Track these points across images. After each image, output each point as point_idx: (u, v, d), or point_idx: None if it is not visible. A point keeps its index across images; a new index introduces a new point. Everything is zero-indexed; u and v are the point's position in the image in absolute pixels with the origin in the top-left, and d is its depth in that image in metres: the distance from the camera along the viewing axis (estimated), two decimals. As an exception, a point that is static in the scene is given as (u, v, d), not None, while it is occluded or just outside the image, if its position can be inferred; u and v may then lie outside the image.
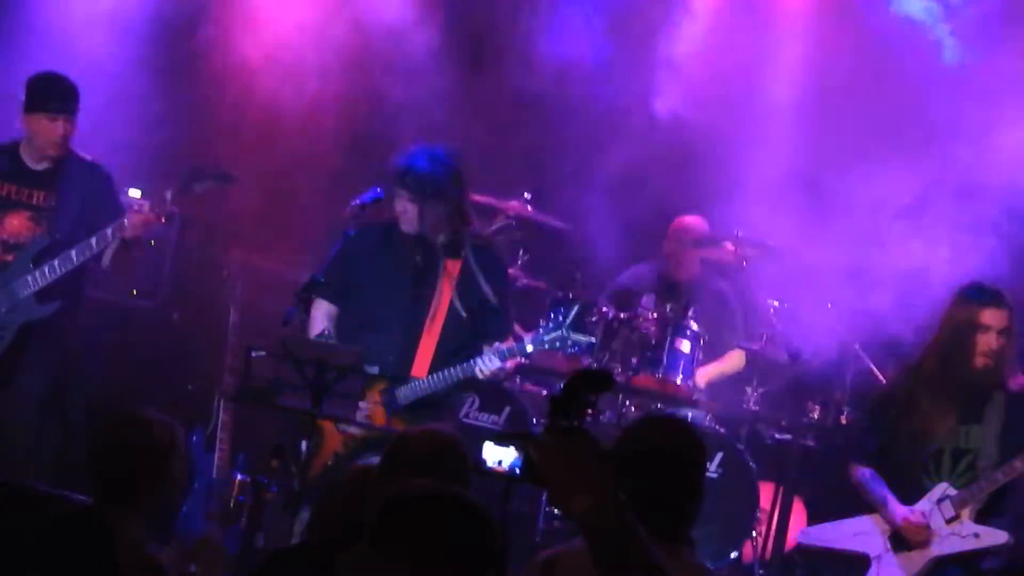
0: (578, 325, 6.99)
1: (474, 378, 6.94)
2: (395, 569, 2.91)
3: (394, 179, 7.05)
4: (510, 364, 7.07)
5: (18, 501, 3.91)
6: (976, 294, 6.91)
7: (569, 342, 6.92)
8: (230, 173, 7.77)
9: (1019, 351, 7.02)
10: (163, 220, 7.86)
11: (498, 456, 2.85)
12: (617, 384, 8.39)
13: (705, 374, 8.71)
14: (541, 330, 6.90)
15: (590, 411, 2.77)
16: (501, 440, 2.83)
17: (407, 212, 7.07)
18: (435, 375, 6.94)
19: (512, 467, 2.85)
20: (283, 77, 9.20)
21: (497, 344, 6.92)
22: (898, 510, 6.91)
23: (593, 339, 7.48)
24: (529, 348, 6.90)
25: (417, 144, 7.19)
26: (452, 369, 6.91)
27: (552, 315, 6.98)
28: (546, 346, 6.91)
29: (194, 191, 7.60)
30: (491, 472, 2.85)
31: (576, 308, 6.99)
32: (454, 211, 7.11)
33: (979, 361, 6.86)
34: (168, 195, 7.59)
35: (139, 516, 4.40)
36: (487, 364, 6.86)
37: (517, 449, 2.83)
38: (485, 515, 3.00)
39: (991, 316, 6.83)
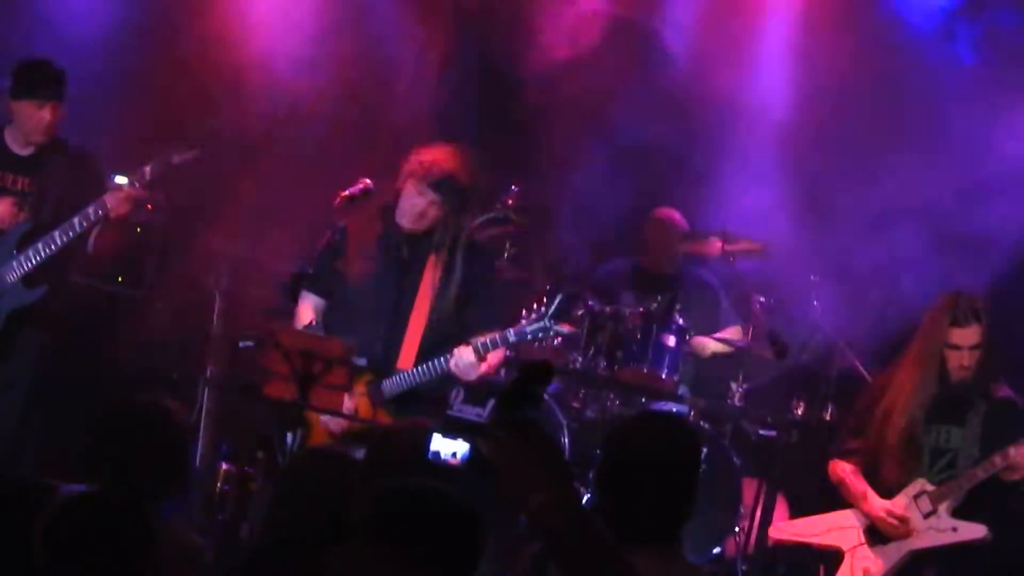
0: (561, 316, 6.95)
1: (451, 374, 6.90)
2: (385, 565, 2.89)
3: (428, 180, 6.94)
4: (494, 359, 7.03)
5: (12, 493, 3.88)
6: (948, 311, 6.89)
7: (552, 333, 6.89)
8: (208, 141, 7.72)
9: (1004, 358, 7.03)
10: (148, 203, 7.83)
11: (452, 448, 2.82)
12: (599, 378, 8.40)
13: (711, 340, 8.72)
14: (524, 322, 6.87)
15: (537, 404, 2.73)
16: (450, 432, 2.80)
17: (426, 215, 6.97)
18: (418, 368, 6.91)
19: (464, 459, 2.83)
20: (275, 67, 9.17)
21: (476, 338, 6.88)
22: (878, 502, 6.92)
23: (577, 330, 7.44)
24: (512, 340, 6.87)
25: (452, 146, 7.09)
26: (432, 363, 6.88)
27: (535, 306, 6.95)
28: (528, 337, 6.88)
29: (173, 162, 7.55)
30: (444, 465, 2.82)
31: (559, 299, 6.94)
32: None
33: (954, 375, 6.89)
34: (147, 169, 7.54)
35: (158, 502, 4.38)
36: (460, 360, 6.82)
37: (466, 441, 2.80)
38: (473, 510, 2.99)
39: (959, 336, 6.84)
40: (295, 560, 3.81)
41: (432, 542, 2.91)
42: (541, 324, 6.83)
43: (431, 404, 6.91)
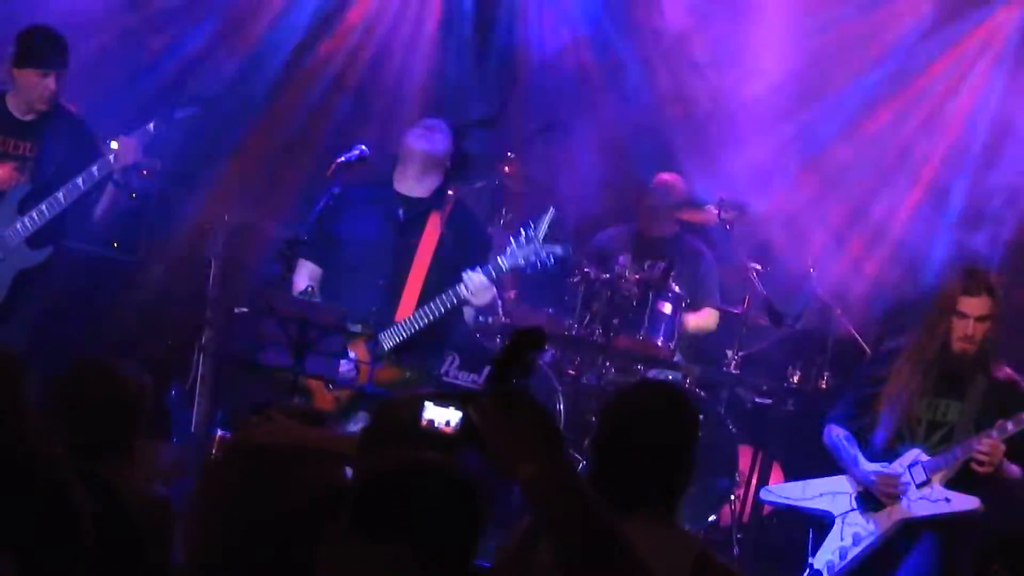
0: (551, 237, 6.89)
1: (463, 301, 6.85)
2: (377, 549, 2.83)
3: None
4: (497, 312, 7.02)
5: None
6: (960, 279, 6.91)
7: (543, 254, 6.83)
8: (210, 97, 7.69)
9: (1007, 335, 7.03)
10: (143, 169, 7.80)
11: (445, 417, 2.77)
12: (595, 345, 8.39)
13: (691, 320, 8.70)
14: (513, 245, 6.83)
15: (528, 372, 2.67)
16: (440, 401, 2.75)
17: (408, 178, 7.04)
18: (422, 309, 6.90)
19: (457, 428, 2.78)
20: (275, 32, 9.14)
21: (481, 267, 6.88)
22: (869, 467, 6.93)
23: (569, 246, 7.34)
24: (505, 265, 6.82)
25: (430, 119, 7.14)
26: (438, 300, 6.85)
27: (523, 229, 6.91)
28: (520, 260, 6.83)
29: (175, 118, 7.54)
30: (435, 433, 2.77)
31: (546, 219, 6.87)
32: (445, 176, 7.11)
33: (957, 345, 6.88)
34: (151, 126, 7.55)
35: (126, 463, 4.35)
36: (472, 280, 6.80)
37: (457, 410, 2.74)
38: (470, 485, 2.91)
39: (968, 304, 6.84)
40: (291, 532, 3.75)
41: (426, 522, 2.83)
42: (532, 247, 6.78)
43: (429, 352, 6.92)
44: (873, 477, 6.89)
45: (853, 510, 6.99)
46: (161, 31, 9.13)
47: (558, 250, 6.89)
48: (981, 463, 6.74)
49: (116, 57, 8.95)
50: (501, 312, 7.59)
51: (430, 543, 2.79)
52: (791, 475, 8.39)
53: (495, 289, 6.87)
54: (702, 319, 8.82)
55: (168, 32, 9.13)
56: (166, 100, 8.01)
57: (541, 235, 6.78)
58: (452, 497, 2.84)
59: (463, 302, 6.85)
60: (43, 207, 7.54)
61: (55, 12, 8.16)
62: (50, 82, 7.57)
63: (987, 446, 6.72)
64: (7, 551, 2.90)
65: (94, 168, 7.47)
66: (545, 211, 6.95)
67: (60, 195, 7.51)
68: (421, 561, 2.78)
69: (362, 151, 7.03)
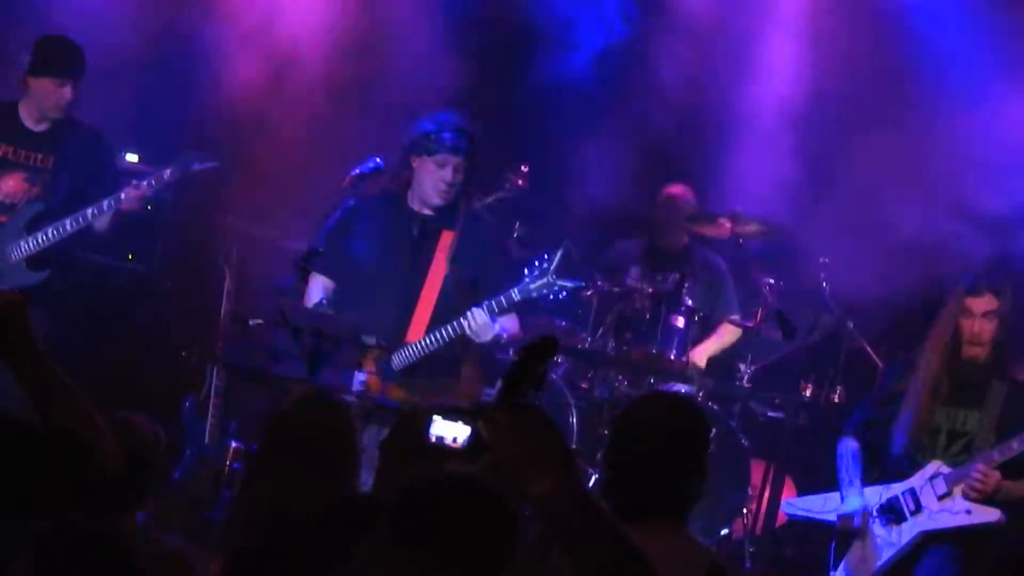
0: (564, 270, 6.90)
1: (465, 336, 6.86)
2: (415, 564, 2.82)
3: (448, 143, 6.93)
4: (511, 326, 7.02)
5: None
6: (964, 280, 6.92)
7: (556, 288, 6.84)
8: (221, 161, 7.77)
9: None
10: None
11: (453, 432, 2.75)
12: (608, 358, 8.39)
13: (704, 352, 8.67)
14: (527, 278, 6.83)
15: (541, 385, 2.66)
16: (448, 416, 2.74)
17: (454, 181, 6.96)
18: (427, 337, 6.89)
19: (464, 444, 2.75)
20: (285, 44, 9.15)
21: (486, 302, 6.87)
22: (849, 503, 6.94)
23: (581, 282, 7.34)
24: (516, 297, 6.80)
25: (446, 110, 7.10)
26: (444, 329, 6.85)
27: (536, 262, 6.92)
28: (533, 294, 6.82)
29: (193, 170, 7.59)
30: (444, 449, 2.75)
31: (560, 252, 6.86)
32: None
33: (967, 350, 6.88)
34: (167, 174, 7.60)
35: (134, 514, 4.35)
36: (475, 319, 6.79)
37: (466, 425, 2.73)
38: (507, 501, 2.90)
39: (973, 302, 6.86)
40: (325, 538, 3.76)
41: (455, 542, 2.83)
42: (544, 280, 6.78)
43: (442, 375, 6.91)
44: (837, 518, 6.92)
45: (873, 522, 6.99)
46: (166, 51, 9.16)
47: (569, 285, 6.90)
48: (975, 488, 6.75)
49: (125, 73, 8.97)
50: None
51: (468, 560, 2.79)
52: (804, 489, 8.38)
53: (497, 327, 6.85)
54: (723, 339, 8.78)
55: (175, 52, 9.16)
56: (177, 125, 8.06)
57: (554, 269, 6.79)
58: (489, 515, 2.83)
59: (465, 337, 6.84)
60: (49, 231, 7.56)
61: (65, 21, 8.20)
62: (67, 92, 7.60)
63: (982, 474, 6.72)
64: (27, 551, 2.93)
65: (104, 203, 7.50)
66: (559, 244, 6.96)
67: (67, 223, 7.54)
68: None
69: (377, 163, 7.04)
